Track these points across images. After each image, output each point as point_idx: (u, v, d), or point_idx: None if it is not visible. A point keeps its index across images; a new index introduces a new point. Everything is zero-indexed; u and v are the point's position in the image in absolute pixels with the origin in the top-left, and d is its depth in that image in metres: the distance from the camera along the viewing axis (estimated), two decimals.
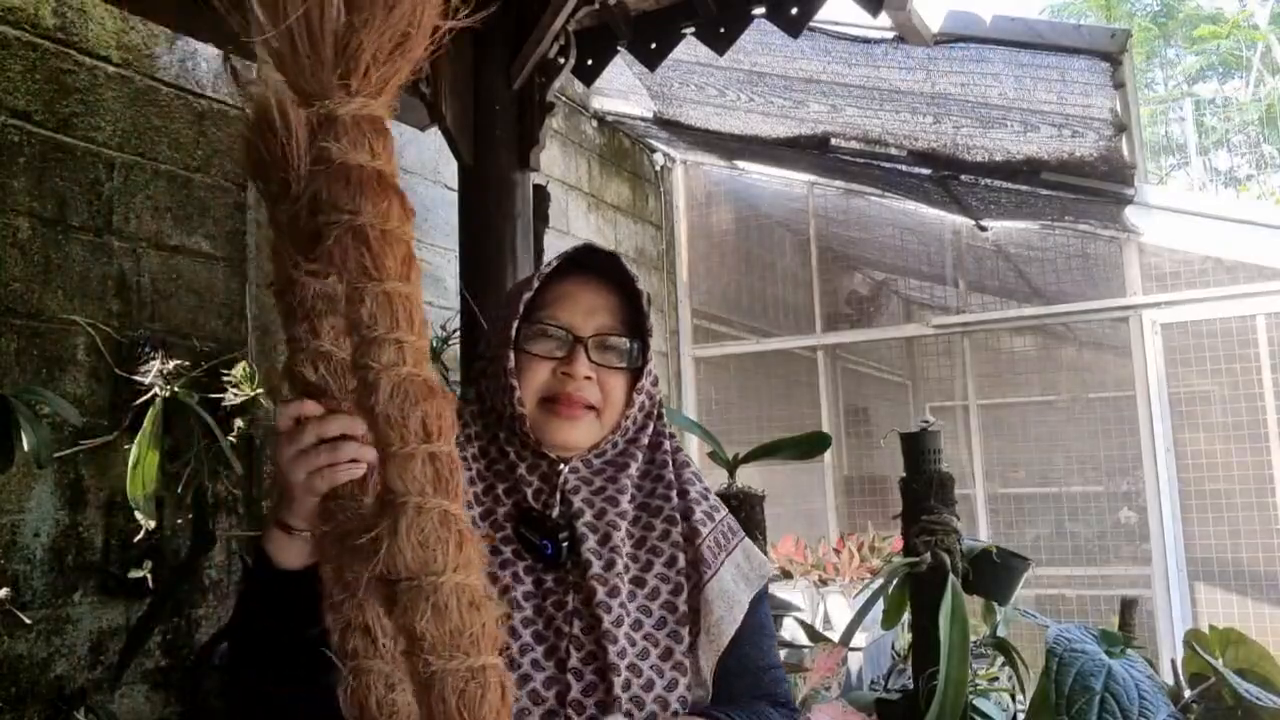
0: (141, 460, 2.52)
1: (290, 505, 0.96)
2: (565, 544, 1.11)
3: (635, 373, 1.19)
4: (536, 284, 1.17)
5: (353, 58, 0.75)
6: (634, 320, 1.19)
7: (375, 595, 0.85)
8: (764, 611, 1.21)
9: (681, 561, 1.15)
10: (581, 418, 1.14)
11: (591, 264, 1.20)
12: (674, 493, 1.20)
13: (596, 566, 1.11)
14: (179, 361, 2.74)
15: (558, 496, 1.15)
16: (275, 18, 0.75)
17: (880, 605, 2.57)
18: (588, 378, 1.14)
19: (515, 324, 1.16)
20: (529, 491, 1.15)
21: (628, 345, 1.18)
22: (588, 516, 1.14)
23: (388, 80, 0.80)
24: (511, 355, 1.15)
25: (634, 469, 1.20)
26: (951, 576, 2.32)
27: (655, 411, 1.24)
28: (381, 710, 0.85)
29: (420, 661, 0.75)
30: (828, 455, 5.26)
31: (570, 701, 1.04)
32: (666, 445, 1.24)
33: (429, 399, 0.79)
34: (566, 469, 1.16)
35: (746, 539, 1.25)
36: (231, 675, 1.05)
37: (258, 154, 0.91)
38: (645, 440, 1.23)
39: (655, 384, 1.23)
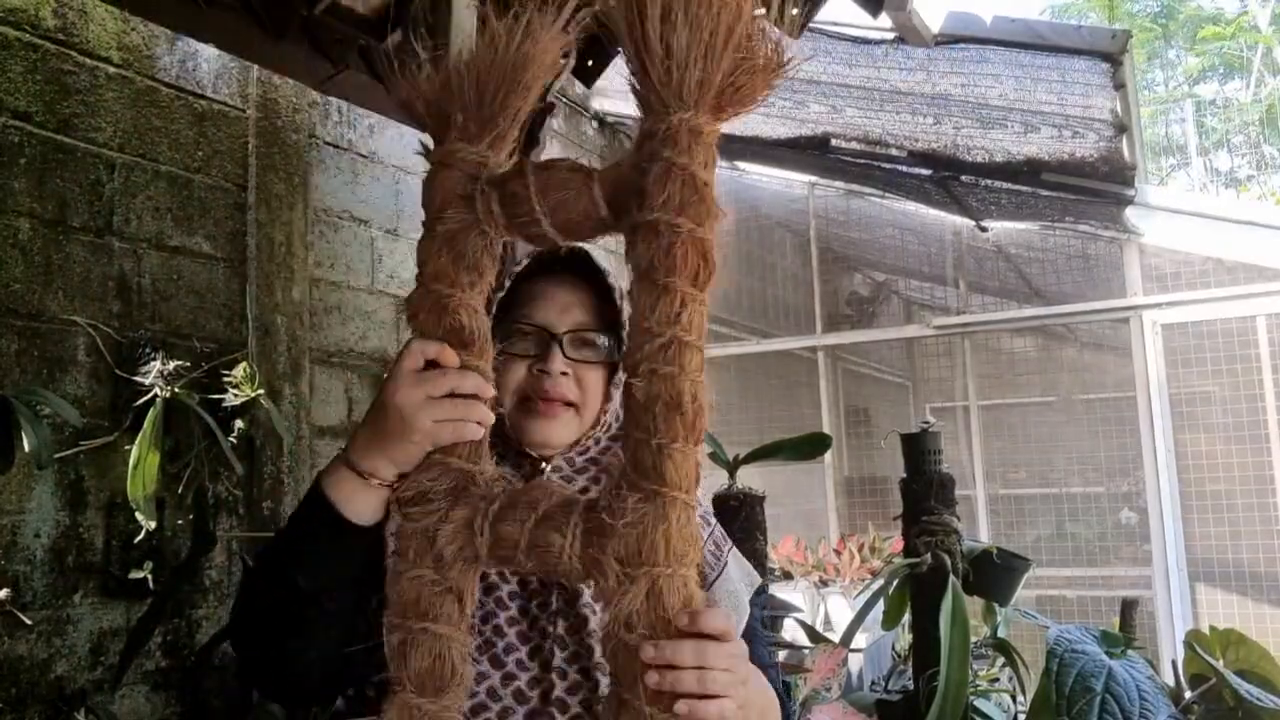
0: (142, 461, 2.53)
1: (388, 449, 0.94)
2: None
3: (613, 367, 1.17)
4: (508, 284, 1.17)
5: (702, 82, 0.82)
6: (609, 315, 1.19)
7: (573, 578, 0.87)
8: (759, 613, 1.22)
9: None
10: (560, 415, 1.14)
11: (563, 261, 1.19)
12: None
13: (585, 594, 1.10)
14: (179, 362, 2.74)
15: None
16: (640, 40, 0.84)
17: (881, 606, 2.57)
18: (564, 374, 1.13)
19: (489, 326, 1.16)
20: None
21: (604, 340, 1.17)
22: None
23: (725, 107, 0.84)
24: None
25: (607, 461, 1.19)
26: (952, 577, 2.32)
27: None
28: (453, 678, 0.85)
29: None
30: (828, 456, 5.26)
31: (554, 700, 1.04)
32: None
33: (706, 409, 0.85)
34: (549, 468, 1.16)
35: (734, 547, 1.25)
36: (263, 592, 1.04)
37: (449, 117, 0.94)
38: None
39: None
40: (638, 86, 0.85)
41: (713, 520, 1.24)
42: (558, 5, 0.89)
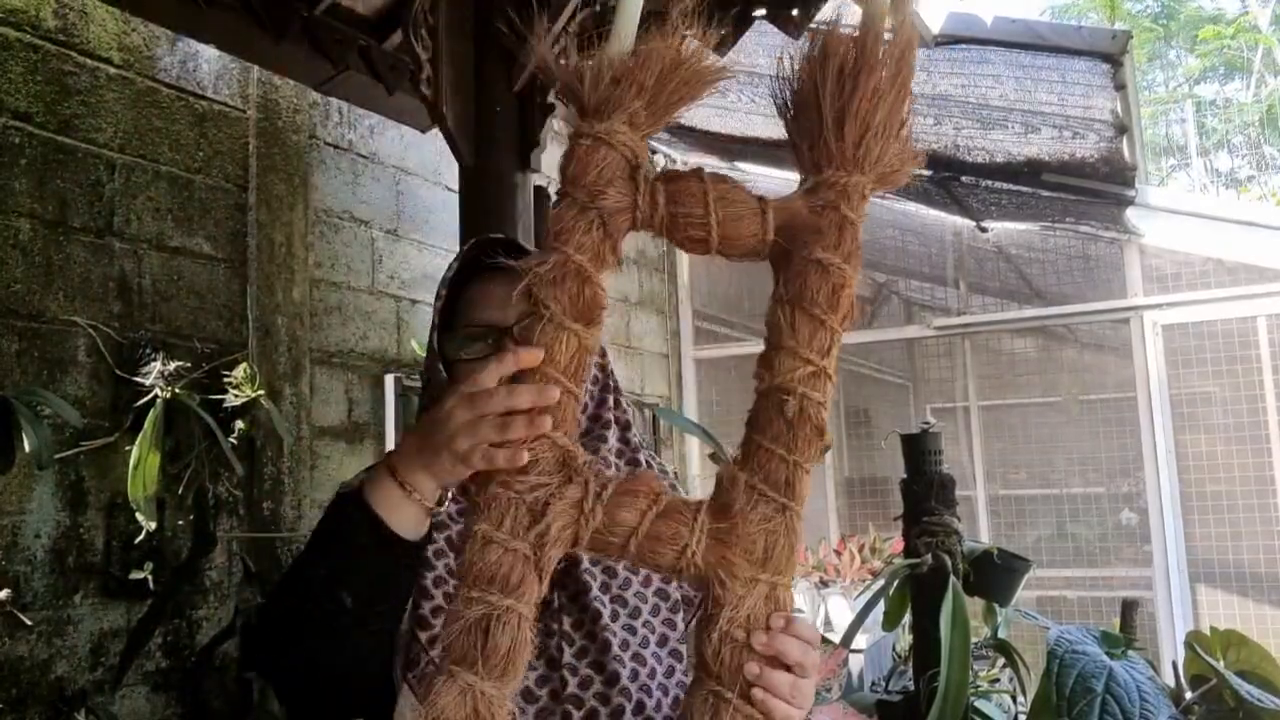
0: (142, 462, 2.53)
1: (431, 464, 0.91)
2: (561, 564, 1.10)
3: None
4: (444, 292, 1.15)
5: (879, 157, 0.93)
6: None
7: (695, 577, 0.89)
8: None
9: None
10: None
11: (494, 256, 1.17)
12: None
13: (585, 560, 1.10)
14: (180, 363, 2.74)
15: None
16: (841, 109, 0.91)
17: (881, 607, 2.57)
18: None
19: (435, 338, 1.14)
20: None
21: None
22: None
23: (883, 179, 0.95)
24: (441, 367, 1.13)
25: (607, 451, 1.18)
26: (952, 578, 2.32)
27: (609, 383, 1.21)
28: (522, 664, 0.84)
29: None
30: (828, 457, 5.26)
31: (567, 697, 1.04)
32: (635, 430, 1.23)
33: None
34: None
35: None
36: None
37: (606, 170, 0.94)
38: (609, 416, 1.20)
39: (603, 355, 1.20)
40: (813, 139, 0.93)
41: None
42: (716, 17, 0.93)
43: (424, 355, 1.24)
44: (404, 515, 0.95)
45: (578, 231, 0.91)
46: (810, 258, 0.92)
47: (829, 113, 0.90)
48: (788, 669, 0.87)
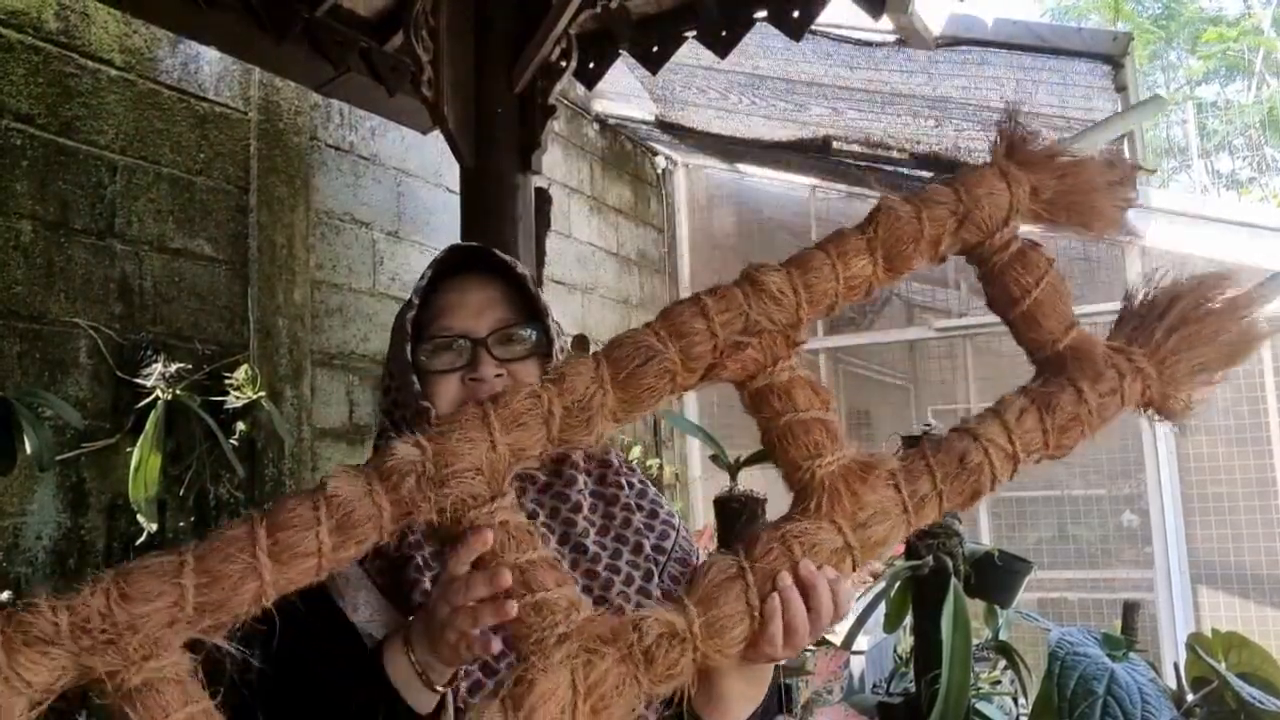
0: (143, 463, 2.53)
1: (434, 651, 0.91)
2: None
3: (544, 357, 1.15)
4: (416, 301, 1.14)
5: (1173, 358, 1.02)
6: (528, 305, 1.16)
7: None
8: None
9: (647, 548, 1.14)
10: None
11: (466, 264, 1.17)
12: (623, 479, 1.19)
13: (566, 565, 1.09)
14: (181, 364, 2.74)
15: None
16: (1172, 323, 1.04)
17: (882, 608, 2.56)
18: (498, 376, 1.10)
19: (408, 346, 1.13)
20: None
21: (529, 332, 1.14)
22: (542, 517, 1.12)
23: (1166, 383, 1.01)
24: (415, 379, 1.11)
25: (576, 457, 1.17)
26: (953, 580, 2.31)
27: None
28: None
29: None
30: None
31: None
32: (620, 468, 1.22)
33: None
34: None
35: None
36: None
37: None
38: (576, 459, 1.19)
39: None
40: (1145, 322, 1.04)
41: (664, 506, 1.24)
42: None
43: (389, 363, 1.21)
44: (421, 698, 0.95)
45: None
46: (1074, 383, 0.97)
47: (1171, 319, 1.02)
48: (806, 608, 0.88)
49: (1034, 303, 0.97)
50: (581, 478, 1.17)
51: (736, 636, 0.83)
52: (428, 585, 1.05)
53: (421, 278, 1.15)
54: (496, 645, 0.86)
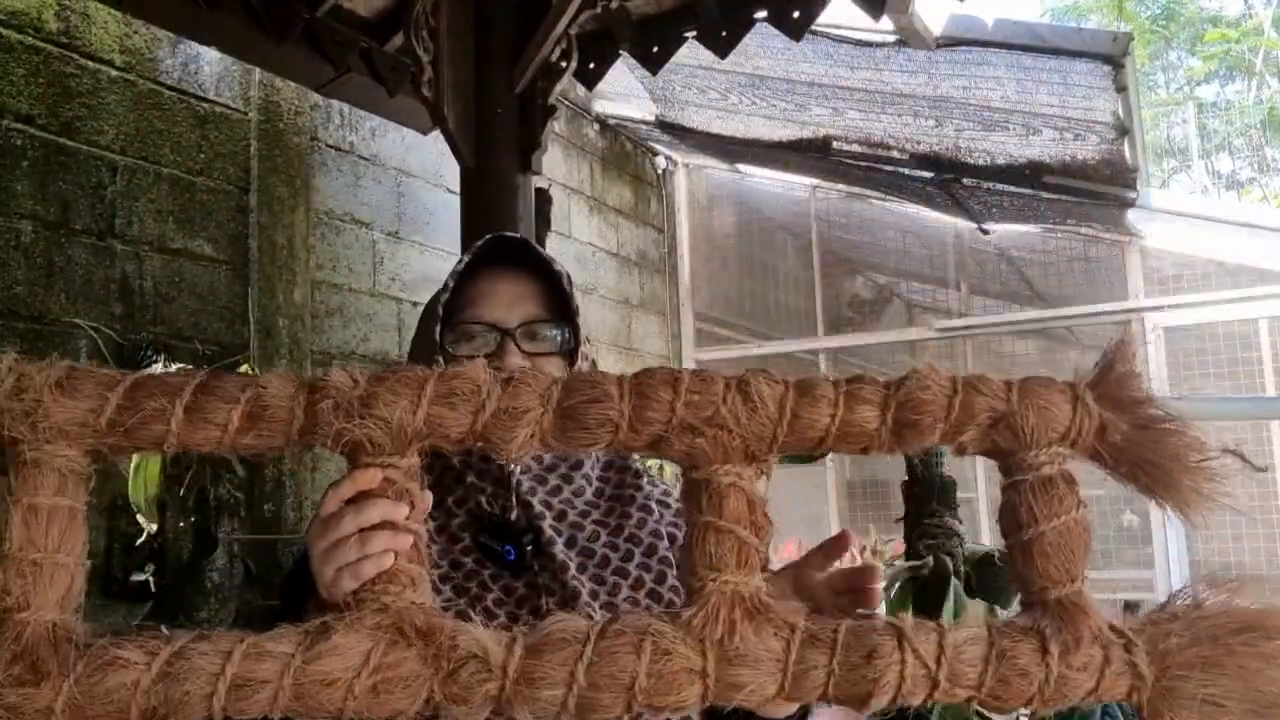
0: (143, 464, 2.53)
1: (324, 587, 0.87)
2: (529, 547, 1.08)
3: (570, 356, 1.15)
4: (451, 284, 1.14)
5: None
6: (559, 304, 1.15)
7: None
8: None
9: (662, 550, 1.13)
10: None
11: (505, 255, 1.17)
12: (644, 481, 1.18)
13: (573, 568, 1.08)
14: (181, 364, 2.74)
15: (514, 499, 1.11)
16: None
17: (882, 609, 2.56)
18: (523, 367, 1.08)
19: (438, 329, 1.13)
20: (482, 498, 1.12)
21: (557, 330, 1.14)
22: (550, 518, 1.11)
23: None
24: (441, 361, 1.11)
25: (591, 460, 1.16)
26: (954, 580, 2.32)
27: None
28: None
29: None
30: (830, 459, 5.26)
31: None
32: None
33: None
34: (517, 470, 1.13)
35: None
36: None
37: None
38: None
39: (594, 366, 1.18)
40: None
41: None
42: None
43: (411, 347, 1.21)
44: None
45: None
46: (1043, 638, 0.87)
47: (1200, 629, 0.88)
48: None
49: (1038, 536, 0.86)
50: (595, 483, 1.16)
51: (545, 697, 0.79)
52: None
53: (459, 262, 1.15)
54: (389, 559, 0.83)
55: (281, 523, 3.07)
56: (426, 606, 0.83)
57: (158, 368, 2.68)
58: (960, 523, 2.46)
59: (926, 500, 2.45)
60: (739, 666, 0.81)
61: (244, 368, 2.90)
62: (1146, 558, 4.95)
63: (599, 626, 0.82)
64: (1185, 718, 0.83)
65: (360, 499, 0.84)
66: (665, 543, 1.14)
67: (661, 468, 5.08)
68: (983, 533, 5.20)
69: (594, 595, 1.08)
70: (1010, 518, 0.87)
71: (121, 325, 2.71)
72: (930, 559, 2.36)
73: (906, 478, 2.60)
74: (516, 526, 1.10)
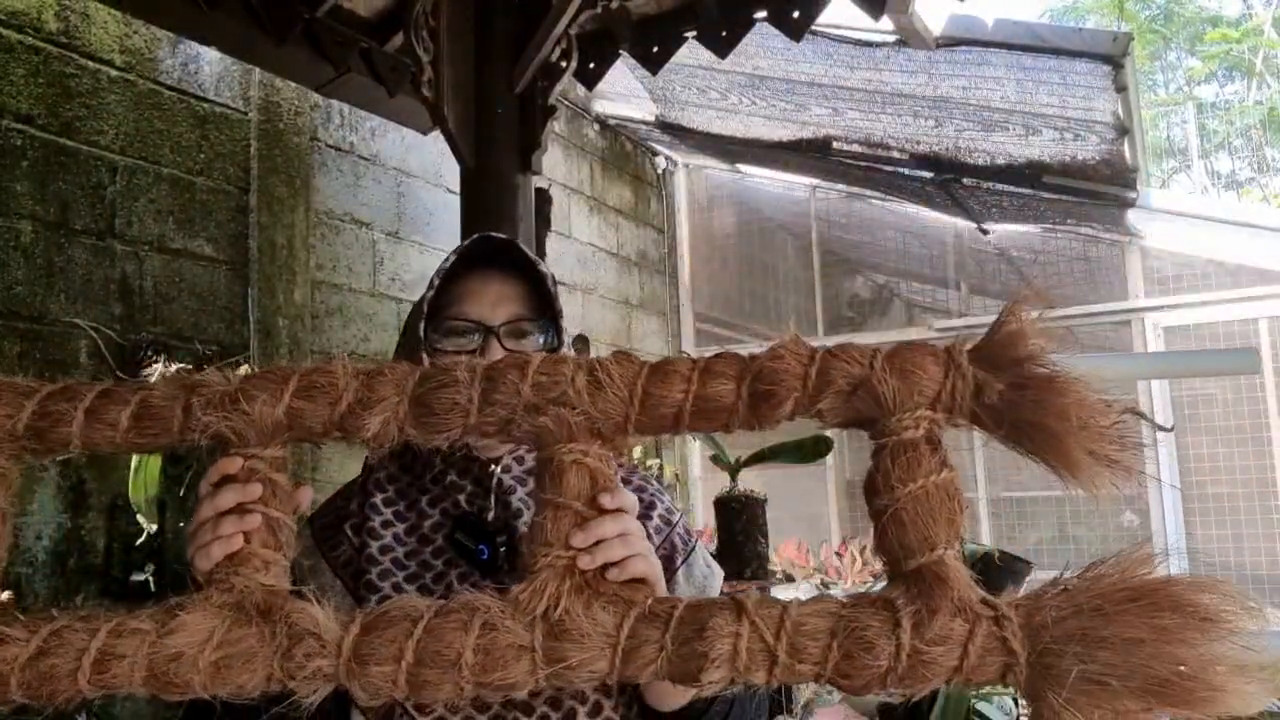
0: (143, 464, 2.53)
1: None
2: (503, 548, 1.08)
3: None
4: (437, 282, 1.15)
5: None
6: (544, 305, 1.17)
7: None
8: None
9: None
10: None
11: (492, 255, 1.18)
12: (619, 479, 1.19)
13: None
14: (181, 364, 2.74)
15: (493, 499, 1.12)
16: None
17: None
18: None
19: (422, 325, 1.14)
20: (461, 497, 1.13)
21: (540, 330, 1.15)
22: (527, 516, 1.11)
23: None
24: (425, 358, 1.12)
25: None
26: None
27: None
28: None
29: None
30: (830, 458, 5.26)
31: (517, 704, 1.03)
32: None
33: None
34: (498, 469, 1.14)
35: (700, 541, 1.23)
36: None
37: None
38: None
39: None
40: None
41: (678, 508, 1.23)
42: None
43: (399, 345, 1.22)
44: None
45: None
46: (894, 611, 0.81)
47: (1084, 597, 0.80)
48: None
49: (895, 503, 0.79)
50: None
51: (375, 673, 0.81)
52: (374, 576, 1.09)
53: (445, 260, 1.16)
54: (238, 541, 0.87)
55: None
56: (272, 587, 0.85)
57: (158, 368, 2.68)
58: None
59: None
60: (565, 642, 0.80)
61: (244, 368, 2.90)
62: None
63: (435, 606, 0.83)
64: (1064, 698, 0.73)
65: (222, 485, 0.88)
66: None
67: (662, 467, 5.08)
68: (983, 533, 5.20)
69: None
70: (869, 488, 0.82)
71: (121, 325, 2.71)
72: None
73: None
74: (492, 526, 1.10)
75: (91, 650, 0.82)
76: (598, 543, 0.85)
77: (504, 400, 0.84)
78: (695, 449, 5.66)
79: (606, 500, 0.85)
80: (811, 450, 3.01)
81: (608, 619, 0.81)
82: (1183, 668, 0.73)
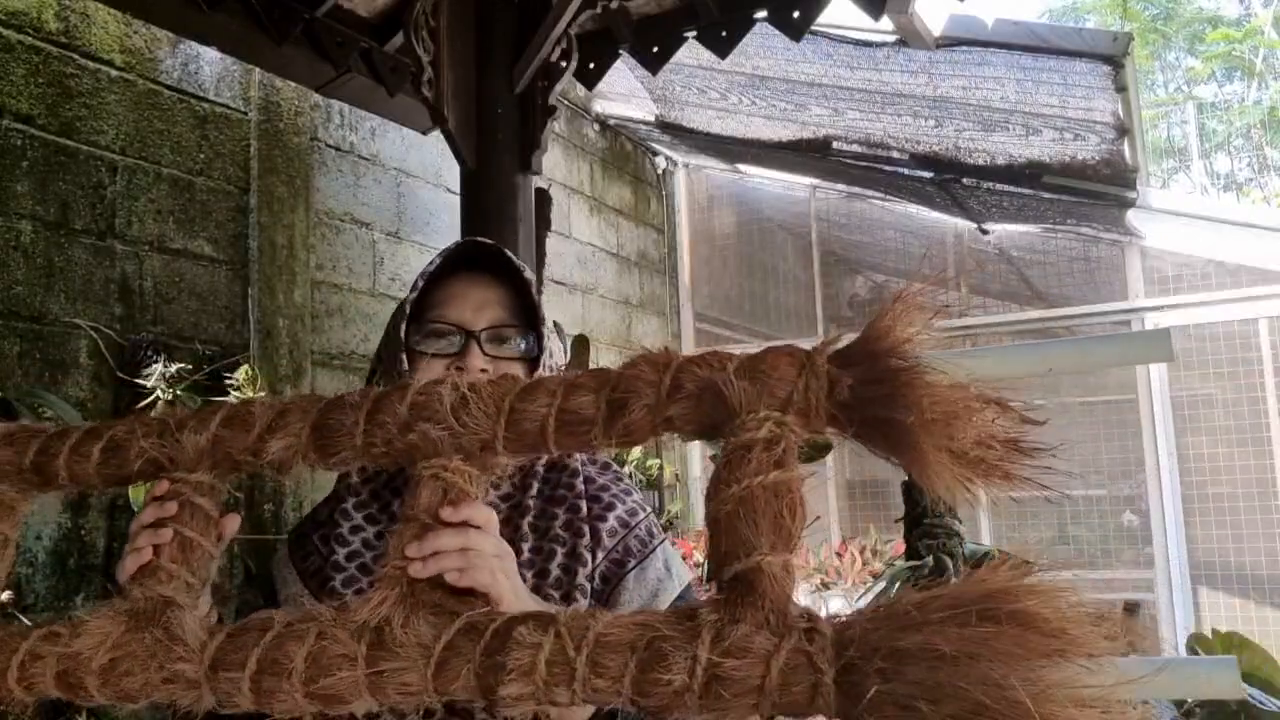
0: None
1: None
2: None
3: (534, 363, 1.16)
4: (421, 284, 1.15)
5: None
6: (527, 312, 1.17)
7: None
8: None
9: (580, 546, 1.13)
10: None
11: (477, 259, 1.18)
12: (578, 480, 1.18)
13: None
14: (181, 364, 2.74)
15: None
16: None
17: None
18: (484, 371, 1.11)
19: (404, 326, 1.14)
20: None
21: (522, 336, 1.16)
22: (502, 529, 1.11)
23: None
24: (404, 358, 1.13)
25: (540, 464, 1.17)
26: (954, 580, 2.31)
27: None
28: None
29: None
30: (830, 459, 5.26)
31: (458, 710, 1.03)
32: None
33: None
34: None
35: (668, 544, 1.21)
36: None
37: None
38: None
39: (557, 373, 1.19)
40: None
41: (647, 509, 1.22)
42: None
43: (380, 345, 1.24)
44: None
45: None
46: (695, 625, 0.74)
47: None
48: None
49: (721, 507, 0.73)
50: (538, 485, 1.16)
51: (224, 679, 0.83)
52: (357, 546, 1.13)
53: (430, 263, 1.17)
54: (147, 554, 0.92)
55: (281, 523, 3.07)
56: (169, 598, 0.90)
57: (157, 368, 2.68)
58: (960, 523, 2.46)
59: (926, 500, 2.45)
60: (383, 652, 0.79)
61: (244, 368, 2.90)
62: (1147, 558, 4.95)
63: (290, 616, 0.85)
64: None
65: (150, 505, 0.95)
66: (587, 539, 1.14)
67: (662, 468, 5.08)
68: (983, 533, 5.20)
69: None
70: (710, 488, 0.76)
71: (121, 325, 2.71)
72: (930, 559, 2.36)
73: (906, 478, 2.60)
74: None
75: (21, 651, 0.88)
76: (435, 554, 0.85)
77: (385, 421, 0.87)
78: (695, 449, 5.66)
79: (447, 513, 0.86)
80: (812, 451, 3.01)
81: (427, 631, 0.79)
82: (1008, 692, 0.60)
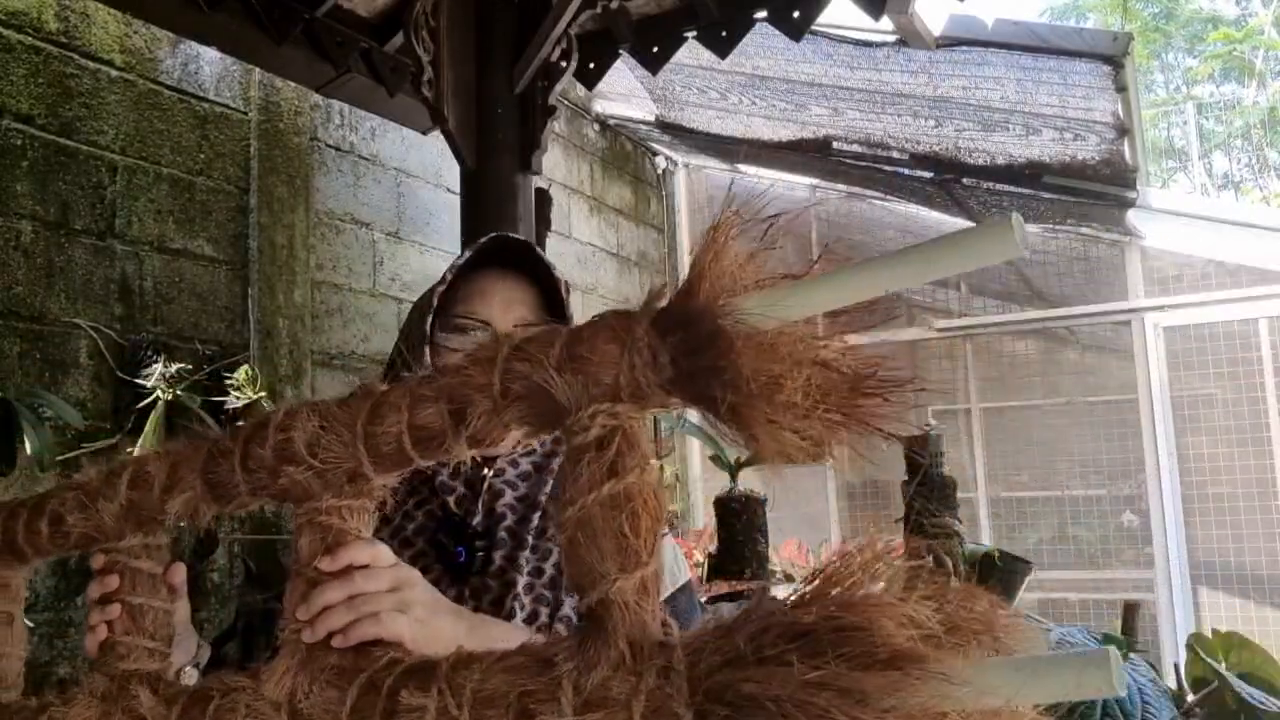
0: None
1: None
2: (480, 553, 1.08)
3: None
4: (450, 276, 1.14)
5: None
6: (554, 312, 1.16)
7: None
8: (679, 608, 1.13)
9: (556, 553, 1.11)
10: None
11: (507, 256, 1.17)
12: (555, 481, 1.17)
13: (520, 584, 1.08)
14: (181, 365, 2.74)
15: (480, 503, 1.11)
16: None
17: None
18: None
19: (430, 320, 1.13)
20: (451, 499, 1.12)
21: None
22: (509, 522, 1.11)
23: None
24: (428, 352, 1.12)
25: (555, 461, 1.15)
26: (953, 580, 2.31)
27: None
28: None
29: None
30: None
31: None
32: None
33: None
34: (490, 473, 1.13)
35: (669, 540, 1.19)
36: None
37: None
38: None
39: None
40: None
41: None
42: None
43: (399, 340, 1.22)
44: None
45: None
46: (550, 665, 0.67)
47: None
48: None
49: (566, 530, 0.63)
50: (550, 480, 1.15)
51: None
52: None
53: (460, 257, 1.16)
54: (101, 632, 0.95)
55: (282, 523, 3.07)
56: (130, 672, 0.90)
57: (157, 368, 2.68)
58: (960, 523, 2.46)
59: (926, 500, 2.45)
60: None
61: (244, 368, 2.90)
62: (1147, 558, 4.95)
63: (233, 684, 0.80)
64: None
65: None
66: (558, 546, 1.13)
67: (661, 468, 5.08)
68: (982, 532, 5.20)
69: (533, 616, 1.07)
70: (560, 497, 0.66)
71: (121, 325, 2.71)
72: (930, 558, 2.36)
73: (906, 478, 2.60)
74: (473, 529, 1.10)
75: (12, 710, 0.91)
76: (322, 611, 0.80)
77: (256, 468, 0.82)
78: (695, 449, 5.66)
79: (325, 564, 0.81)
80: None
81: (334, 695, 0.73)
82: None
